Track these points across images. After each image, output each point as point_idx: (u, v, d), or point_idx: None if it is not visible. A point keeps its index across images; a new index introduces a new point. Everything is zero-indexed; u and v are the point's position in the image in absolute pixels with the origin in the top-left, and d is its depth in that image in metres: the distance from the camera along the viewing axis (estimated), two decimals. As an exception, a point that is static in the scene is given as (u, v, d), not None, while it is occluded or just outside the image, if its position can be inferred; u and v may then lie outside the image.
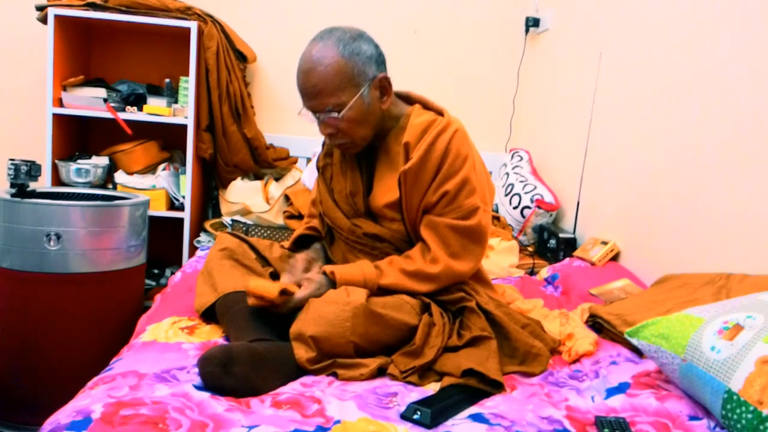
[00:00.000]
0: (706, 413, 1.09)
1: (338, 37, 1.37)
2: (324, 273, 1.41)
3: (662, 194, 1.89)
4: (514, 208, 2.57)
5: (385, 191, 1.47)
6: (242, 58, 2.70)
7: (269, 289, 1.30)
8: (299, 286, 1.38)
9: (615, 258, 2.11)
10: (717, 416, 1.03)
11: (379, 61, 1.42)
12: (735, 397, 0.98)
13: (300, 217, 2.40)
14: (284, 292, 1.31)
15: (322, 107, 1.38)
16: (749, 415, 0.96)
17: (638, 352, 1.35)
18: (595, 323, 1.56)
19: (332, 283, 1.39)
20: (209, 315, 1.45)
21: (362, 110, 1.39)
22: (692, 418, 1.09)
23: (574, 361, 1.39)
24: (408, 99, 1.54)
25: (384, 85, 1.42)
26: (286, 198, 2.56)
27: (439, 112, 1.49)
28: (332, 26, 1.41)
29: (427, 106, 1.52)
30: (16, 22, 2.75)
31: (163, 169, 2.60)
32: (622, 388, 1.21)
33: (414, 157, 1.39)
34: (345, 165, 1.54)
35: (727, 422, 1.01)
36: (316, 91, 1.36)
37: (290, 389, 1.16)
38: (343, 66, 1.35)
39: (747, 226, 1.53)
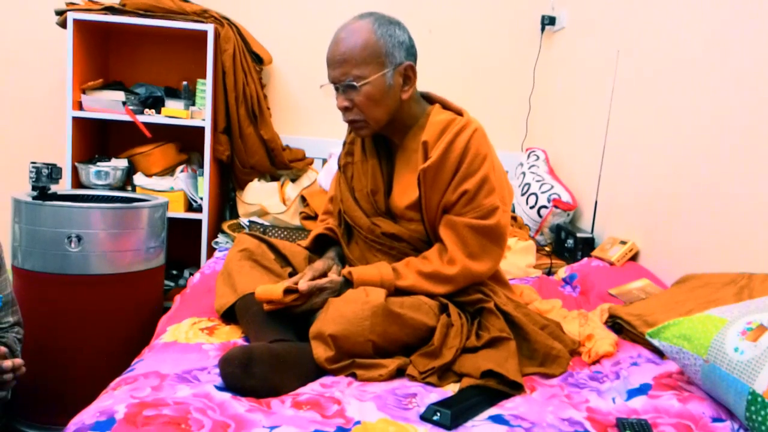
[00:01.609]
0: (730, 415, 1.08)
1: (376, 17, 1.42)
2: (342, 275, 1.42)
3: (682, 193, 1.88)
4: (531, 207, 2.55)
5: (405, 190, 1.47)
6: (258, 60, 2.72)
7: (273, 290, 1.32)
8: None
9: (634, 258, 2.09)
10: (741, 418, 1.02)
11: (410, 51, 1.46)
12: (759, 399, 0.97)
13: (316, 218, 2.41)
14: (289, 291, 1.33)
15: (344, 77, 1.40)
16: (774, 417, 0.95)
17: (659, 353, 1.33)
18: (615, 324, 1.55)
19: (350, 283, 1.40)
20: (229, 315, 1.46)
21: (381, 90, 1.41)
22: (715, 419, 1.07)
23: (594, 362, 1.38)
24: (428, 99, 1.55)
25: (408, 74, 1.45)
26: (303, 199, 2.56)
27: (459, 113, 1.49)
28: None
29: (446, 106, 1.52)
30: (35, 26, 2.79)
31: (181, 171, 2.63)
32: (643, 389, 1.20)
33: (433, 156, 1.39)
34: (366, 164, 1.55)
35: (751, 424, 0.99)
36: (342, 60, 1.39)
37: (310, 390, 1.16)
38: (373, 42, 1.38)
39: (769, 225, 1.51)
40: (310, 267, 1.47)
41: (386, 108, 1.43)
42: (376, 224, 1.50)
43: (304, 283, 1.35)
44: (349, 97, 1.42)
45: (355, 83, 1.39)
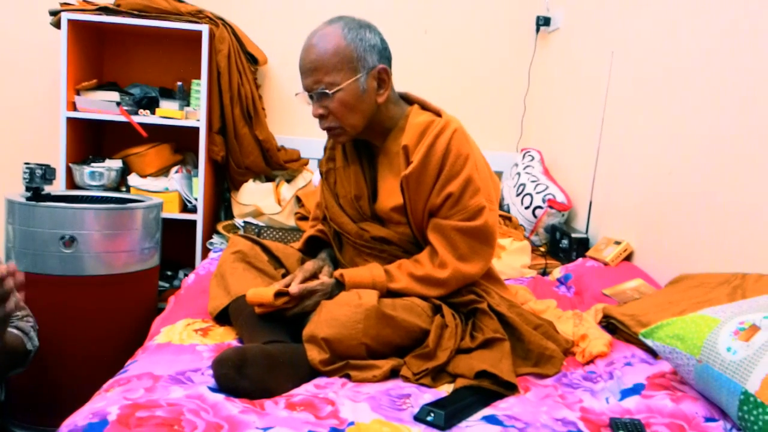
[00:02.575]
0: (723, 415, 1.08)
1: (345, 21, 1.40)
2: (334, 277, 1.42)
3: (676, 193, 1.88)
4: (526, 208, 2.56)
5: (390, 195, 1.46)
6: (253, 60, 2.71)
7: (265, 294, 1.32)
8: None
9: (628, 258, 2.09)
10: (733, 418, 1.03)
11: (383, 54, 1.43)
12: (752, 399, 0.97)
13: (312, 218, 2.41)
14: (280, 294, 1.32)
15: (316, 85, 1.38)
16: (767, 417, 0.95)
17: (653, 353, 1.34)
18: (609, 324, 1.55)
19: (341, 285, 1.39)
20: (223, 317, 1.46)
21: (356, 96, 1.39)
22: (708, 419, 1.08)
23: (588, 362, 1.39)
24: (407, 99, 1.54)
25: (383, 78, 1.42)
26: (298, 199, 2.56)
27: (437, 113, 1.48)
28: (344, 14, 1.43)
29: (425, 106, 1.51)
30: (29, 27, 2.78)
31: (176, 172, 2.62)
32: (636, 389, 1.20)
33: (414, 161, 1.38)
34: (348, 169, 1.54)
35: (743, 424, 1.00)
36: (313, 68, 1.37)
37: (304, 391, 1.16)
38: (344, 48, 1.36)
39: (762, 226, 1.52)
40: (301, 268, 1.46)
41: (362, 113, 1.42)
42: (365, 229, 1.49)
43: (295, 286, 1.35)
44: (323, 105, 1.40)
45: (327, 91, 1.37)
